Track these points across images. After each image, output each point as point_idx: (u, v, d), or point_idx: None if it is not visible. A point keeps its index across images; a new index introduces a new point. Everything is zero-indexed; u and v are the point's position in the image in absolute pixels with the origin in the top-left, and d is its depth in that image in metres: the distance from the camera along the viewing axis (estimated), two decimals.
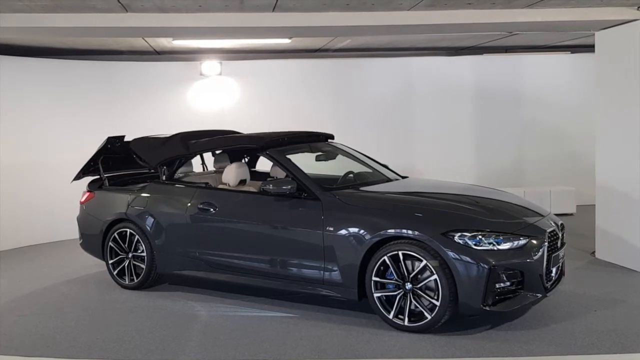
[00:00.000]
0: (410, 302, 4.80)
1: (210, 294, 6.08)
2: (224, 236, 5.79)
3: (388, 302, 4.91)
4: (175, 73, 9.89)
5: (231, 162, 6.64)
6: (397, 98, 10.39)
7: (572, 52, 10.68)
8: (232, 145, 6.56)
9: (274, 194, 5.48)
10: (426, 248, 4.72)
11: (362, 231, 5.01)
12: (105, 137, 6.63)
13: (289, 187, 5.39)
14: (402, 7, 6.09)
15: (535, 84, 10.65)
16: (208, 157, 7.39)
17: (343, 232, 5.10)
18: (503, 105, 10.59)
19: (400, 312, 4.84)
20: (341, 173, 6.11)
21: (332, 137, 6.89)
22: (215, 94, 10.01)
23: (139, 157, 6.63)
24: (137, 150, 6.59)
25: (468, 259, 4.60)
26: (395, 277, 4.85)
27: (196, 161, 7.56)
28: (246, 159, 7.17)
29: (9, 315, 5.70)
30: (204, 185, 6.21)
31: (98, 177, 6.93)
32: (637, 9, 6.26)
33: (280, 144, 6.05)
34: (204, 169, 7.51)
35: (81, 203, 6.90)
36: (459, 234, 4.69)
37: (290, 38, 8.28)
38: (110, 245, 6.44)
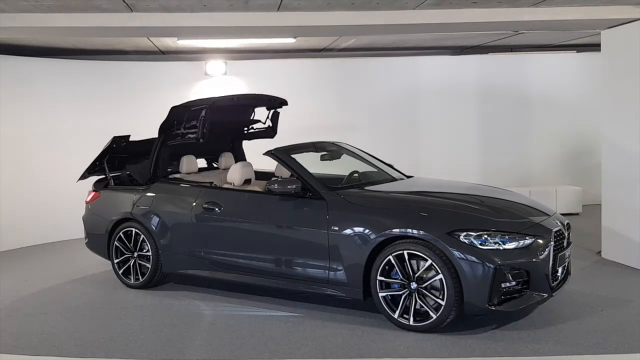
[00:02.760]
0: (416, 301, 4.79)
1: (215, 293, 6.09)
2: (229, 236, 5.79)
3: (393, 301, 4.90)
4: (180, 73, 9.90)
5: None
6: (402, 97, 10.37)
7: (578, 51, 10.64)
8: (186, 113, 6.39)
9: (279, 194, 5.48)
10: (431, 247, 4.71)
11: (367, 230, 5.00)
12: (111, 137, 6.64)
13: (294, 186, 5.39)
14: (407, 6, 6.08)
15: (541, 83, 10.62)
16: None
17: (348, 231, 5.09)
18: (509, 105, 10.56)
19: (405, 311, 4.84)
20: (346, 172, 6.11)
21: (285, 102, 7.14)
22: (220, 93, 9.99)
23: (133, 177, 6.70)
24: (132, 172, 6.70)
25: (473, 258, 4.59)
26: (401, 276, 4.84)
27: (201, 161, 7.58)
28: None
29: (14, 314, 5.72)
30: (209, 184, 6.22)
31: (104, 176, 6.95)
32: None
33: (229, 103, 6.64)
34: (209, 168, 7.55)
35: (87, 202, 6.92)
36: (465, 233, 4.68)
37: (295, 38, 8.28)
38: (116, 245, 6.46)
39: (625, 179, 6.71)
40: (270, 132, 7.41)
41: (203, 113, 6.26)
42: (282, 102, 7.17)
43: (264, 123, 7.36)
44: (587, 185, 10.09)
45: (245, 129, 7.44)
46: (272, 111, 7.29)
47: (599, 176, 7.16)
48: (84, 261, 7.56)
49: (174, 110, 6.34)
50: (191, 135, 6.39)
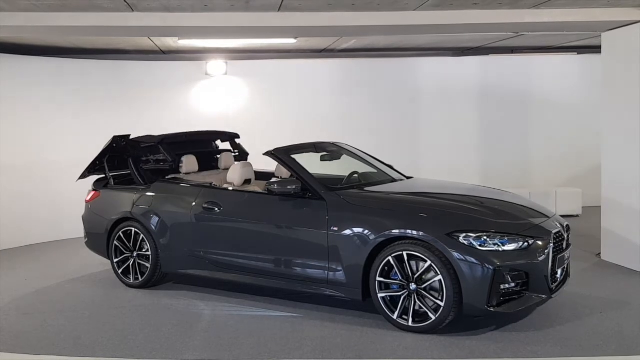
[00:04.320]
0: (415, 302, 4.79)
1: (215, 293, 6.09)
2: (228, 236, 5.79)
3: (392, 302, 4.90)
4: (180, 73, 9.91)
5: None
6: (403, 98, 10.38)
7: (579, 53, 10.65)
8: (136, 146, 6.71)
9: (278, 194, 5.48)
10: (431, 249, 4.71)
11: (366, 231, 5.00)
12: (111, 136, 6.64)
13: (294, 187, 5.39)
14: (408, 7, 6.08)
15: (542, 85, 10.63)
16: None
17: (347, 232, 5.09)
18: (509, 106, 10.57)
19: (404, 312, 4.84)
20: (346, 173, 6.11)
21: (237, 136, 7.49)
22: (220, 93, 10.02)
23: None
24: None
25: (473, 259, 4.59)
26: (400, 277, 4.84)
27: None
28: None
29: (13, 313, 5.72)
30: (208, 185, 6.22)
31: (104, 176, 6.95)
32: None
33: (180, 139, 6.90)
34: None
35: (86, 202, 6.92)
36: (464, 234, 4.68)
37: (295, 38, 8.28)
38: (115, 244, 6.46)
39: (625, 181, 6.71)
40: (244, 156, 7.56)
41: (162, 148, 6.61)
42: (233, 136, 7.51)
43: (234, 152, 7.56)
44: (587, 187, 10.09)
45: (218, 156, 7.55)
46: (229, 142, 7.58)
47: (599, 178, 7.15)
48: (83, 260, 7.56)
49: (130, 143, 6.69)
50: (164, 165, 6.67)
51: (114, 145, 6.66)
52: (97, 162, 6.81)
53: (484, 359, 4.37)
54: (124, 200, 6.48)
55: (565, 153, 10.67)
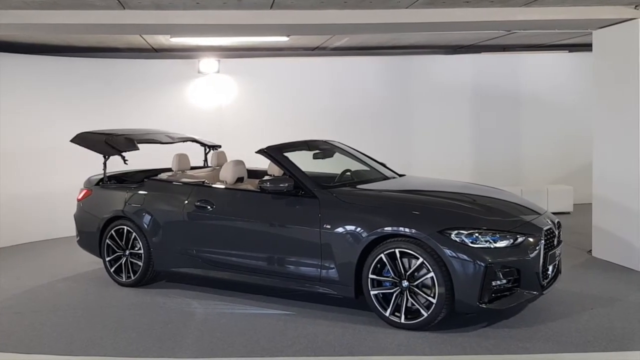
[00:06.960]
0: (407, 299, 4.80)
1: (207, 291, 6.09)
2: (221, 234, 5.79)
3: (385, 299, 4.92)
4: (172, 71, 9.88)
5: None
6: (395, 97, 10.40)
7: (570, 51, 10.69)
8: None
9: (271, 192, 5.48)
10: (423, 246, 4.72)
11: (359, 229, 5.01)
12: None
13: (286, 184, 5.40)
14: (400, 5, 6.09)
15: (533, 83, 10.66)
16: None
17: (340, 229, 5.10)
18: (501, 104, 10.60)
19: (396, 309, 4.85)
20: (338, 171, 6.11)
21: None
22: (212, 91, 10.01)
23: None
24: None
25: (465, 256, 4.61)
26: (392, 274, 4.85)
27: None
28: None
29: (6, 312, 5.70)
30: (201, 183, 6.22)
31: (96, 175, 6.91)
32: (635, 8, 6.26)
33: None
34: (204, 165, 7.56)
35: (78, 200, 6.90)
36: (456, 231, 4.69)
37: (288, 36, 8.28)
38: (108, 243, 6.44)
39: (616, 179, 6.74)
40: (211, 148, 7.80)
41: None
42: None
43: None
44: (578, 185, 10.14)
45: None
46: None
47: (590, 175, 7.19)
48: (75, 259, 7.54)
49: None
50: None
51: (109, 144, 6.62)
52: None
53: (476, 355, 4.39)
54: (116, 199, 6.46)
55: (556, 151, 10.72)
